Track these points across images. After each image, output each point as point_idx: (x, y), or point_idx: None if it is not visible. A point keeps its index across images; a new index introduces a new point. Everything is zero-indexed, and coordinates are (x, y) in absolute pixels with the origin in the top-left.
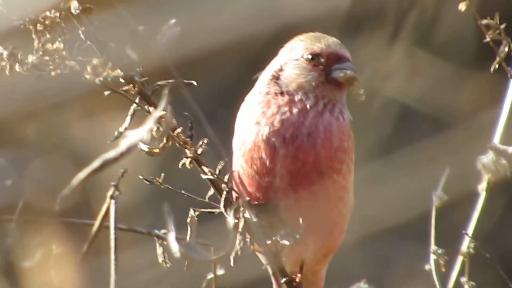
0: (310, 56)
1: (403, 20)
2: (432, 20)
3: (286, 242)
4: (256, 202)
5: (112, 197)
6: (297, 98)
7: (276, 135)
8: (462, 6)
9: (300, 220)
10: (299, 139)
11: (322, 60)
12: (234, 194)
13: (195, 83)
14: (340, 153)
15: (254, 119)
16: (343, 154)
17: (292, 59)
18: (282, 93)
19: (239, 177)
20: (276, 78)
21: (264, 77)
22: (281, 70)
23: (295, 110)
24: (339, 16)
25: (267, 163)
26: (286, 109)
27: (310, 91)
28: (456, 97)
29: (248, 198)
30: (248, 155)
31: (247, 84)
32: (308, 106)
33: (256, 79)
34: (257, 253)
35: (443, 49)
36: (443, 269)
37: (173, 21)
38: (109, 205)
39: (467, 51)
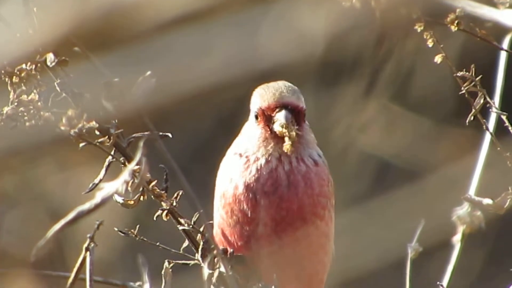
0: (255, 115)
1: (379, 72)
2: (409, 73)
3: None
4: (231, 252)
5: (87, 249)
6: (261, 161)
7: (254, 189)
8: (438, 59)
9: (274, 275)
10: (280, 190)
11: (261, 117)
12: (211, 244)
13: (170, 135)
14: (322, 198)
15: (232, 175)
16: (325, 199)
17: (249, 121)
18: (246, 156)
19: (220, 227)
20: (238, 143)
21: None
22: (240, 134)
23: (264, 169)
24: (314, 65)
25: (249, 213)
26: (256, 169)
27: (264, 152)
28: (432, 150)
29: (222, 248)
30: (228, 207)
31: (223, 136)
32: (271, 166)
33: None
34: None
35: (419, 103)
36: None
37: (148, 72)
38: (84, 256)
39: (444, 104)
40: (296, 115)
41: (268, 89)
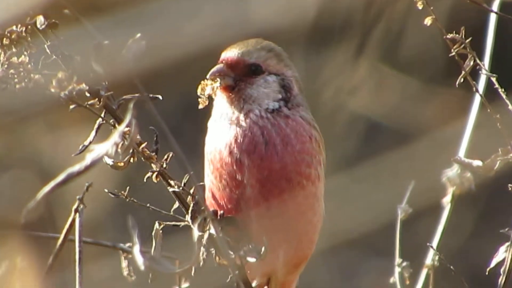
0: None
1: (368, 34)
2: (398, 35)
3: (251, 259)
4: (221, 213)
5: (77, 210)
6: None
7: (236, 150)
8: (427, 21)
9: (264, 237)
10: (258, 148)
11: None
12: (201, 206)
13: (160, 97)
14: (306, 156)
15: (214, 140)
16: (309, 157)
17: None
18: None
19: (210, 190)
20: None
21: None
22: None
23: (239, 129)
24: (305, 28)
25: (236, 176)
26: (232, 130)
27: (227, 112)
28: (422, 111)
29: (212, 210)
30: (217, 172)
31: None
32: (240, 122)
33: None
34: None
35: (409, 64)
36: (407, 282)
37: (138, 35)
38: (74, 218)
39: (433, 66)
40: (238, 69)
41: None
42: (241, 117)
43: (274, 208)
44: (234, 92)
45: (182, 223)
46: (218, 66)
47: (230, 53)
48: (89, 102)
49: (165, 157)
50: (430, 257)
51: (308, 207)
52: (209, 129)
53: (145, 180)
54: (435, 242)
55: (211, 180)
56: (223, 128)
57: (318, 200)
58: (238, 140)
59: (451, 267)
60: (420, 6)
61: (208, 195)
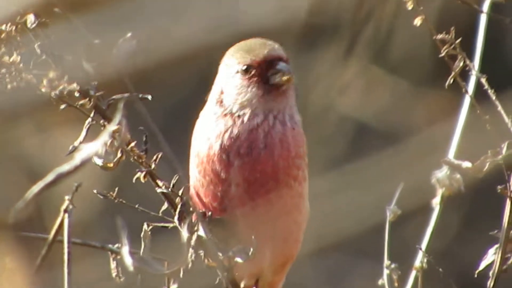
0: (244, 69)
1: (358, 34)
2: (388, 35)
3: (239, 260)
4: (209, 214)
5: (66, 210)
6: (245, 118)
7: (228, 150)
8: (417, 21)
9: (253, 237)
10: (256, 152)
11: (255, 71)
12: (190, 207)
13: (149, 97)
14: (297, 160)
15: (206, 135)
16: (299, 160)
17: (229, 77)
18: (229, 114)
19: (195, 188)
20: (220, 102)
21: (211, 97)
22: (222, 93)
23: (245, 129)
24: (295, 28)
25: (221, 174)
26: (235, 129)
27: (254, 108)
28: (411, 112)
29: (202, 211)
30: (201, 166)
31: (203, 97)
32: (257, 123)
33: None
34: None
35: (399, 65)
36: (396, 284)
37: (129, 34)
38: (62, 218)
39: (423, 67)
40: None
41: (254, 45)
42: (250, 116)
43: (260, 207)
44: (282, 92)
45: (171, 225)
46: (286, 65)
47: (280, 52)
48: (80, 103)
49: (154, 157)
50: (419, 259)
51: (294, 207)
52: (204, 121)
53: (134, 181)
54: (424, 244)
55: (195, 175)
56: (221, 121)
57: (304, 199)
58: (235, 139)
59: (440, 269)
60: (410, 6)
61: (192, 192)
